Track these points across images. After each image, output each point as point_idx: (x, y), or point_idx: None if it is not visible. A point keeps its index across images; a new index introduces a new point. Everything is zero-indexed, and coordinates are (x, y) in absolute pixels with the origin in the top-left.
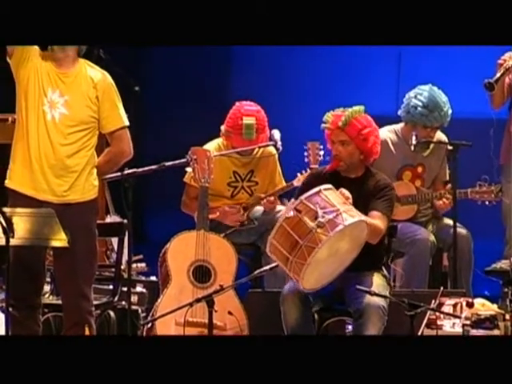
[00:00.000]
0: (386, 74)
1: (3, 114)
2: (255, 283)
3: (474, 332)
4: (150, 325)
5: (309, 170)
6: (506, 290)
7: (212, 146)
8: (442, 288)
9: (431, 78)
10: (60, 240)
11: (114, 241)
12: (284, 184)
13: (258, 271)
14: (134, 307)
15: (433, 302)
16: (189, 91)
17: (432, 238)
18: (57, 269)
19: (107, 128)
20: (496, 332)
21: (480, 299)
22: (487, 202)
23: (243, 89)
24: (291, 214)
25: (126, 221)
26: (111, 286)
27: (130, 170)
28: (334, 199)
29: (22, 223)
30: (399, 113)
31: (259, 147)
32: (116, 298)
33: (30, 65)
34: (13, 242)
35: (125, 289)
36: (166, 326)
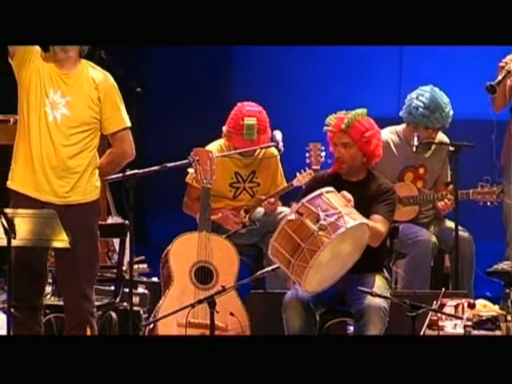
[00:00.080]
0: (387, 74)
1: (5, 114)
2: (257, 284)
3: (476, 333)
4: (151, 326)
5: (308, 170)
6: (507, 291)
7: (214, 146)
8: (443, 289)
9: (433, 79)
10: (62, 241)
11: (116, 242)
12: (285, 184)
13: (259, 272)
14: (135, 308)
15: (434, 303)
16: (190, 92)
17: (434, 239)
18: (58, 270)
19: (109, 129)
20: (498, 333)
21: (482, 300)
22: (489, 203)
23: (245, 90)
24: (293, 216)
25: (127, 222)
26: (113, 287)
27: (132, 171)
28: (336, 202)
29: (23, 224)
30: (401, 114)
31: (261, 148)
32: (118, 299)
33: (32, 66)
34: (14, 242)
35: (126, 290)
36: (168, 327)
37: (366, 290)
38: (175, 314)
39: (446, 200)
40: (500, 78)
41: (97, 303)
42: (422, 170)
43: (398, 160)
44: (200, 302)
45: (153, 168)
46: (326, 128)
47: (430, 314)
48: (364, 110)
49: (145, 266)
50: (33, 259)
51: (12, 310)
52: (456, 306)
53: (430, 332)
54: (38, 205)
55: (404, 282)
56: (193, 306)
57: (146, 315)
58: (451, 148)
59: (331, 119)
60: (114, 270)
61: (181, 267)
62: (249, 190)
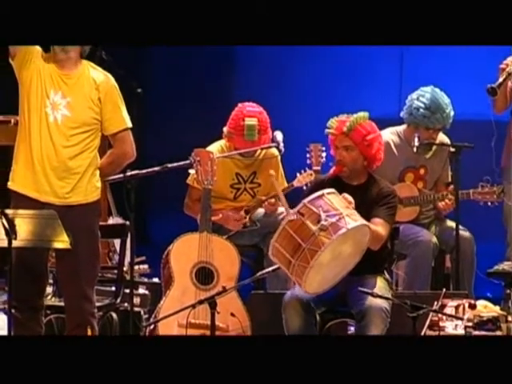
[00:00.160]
0: (388, 75)
1: (6, 115)
2: (258, 285)
3: (477, 334)
4: (152, 326)
5: (308, 170)
6: (508, 291)
7: (215, 147)
8: (444, 290)
9: (434, 80)
10: (62, 242)
11: (117, 242)
12: (285, 185)
13: (260, 273)
14: (136, 309)
15: (435, 303)
16: (191, 92)
17: (434, 239)
18: (59, 270)
19: (110, 130)
20: (498, 334)
21: (482, 301)
22: (489, 203)
23: (245, 90)
24: (294, 217)
25: (128, 222)
26: (113, 288)
27: (133, 172)
28: (337, 203)
29: (24, 225)
30: (401, 114)
31: (261, 149)
32: (118, 300)
33: (33, 66)
34: (15, 243)
35: (127, 290)
36: (169, 328)
37: (366, 290)
38: (176, 315)
39: (446, 200)
40: (501, 80)
41: (97, 304)
42: (422, 171)
43: (399, 161)
44: (201, 302)
45: (154, 169)
46: (327, 131)
47: (430, 315)
48: (366, 114)
49: (145, 266)
50: (33, 260)
51: (13, 310)
52: (457, 307)
53: (430, 333)
54: (39, 205)
55: (405, 283)
56: (194, 306)
57: (146, 316)
58: (452, 149)
59: (333, 122)
60: (115, 271)
61: (181, 268)
62: (249, 190)
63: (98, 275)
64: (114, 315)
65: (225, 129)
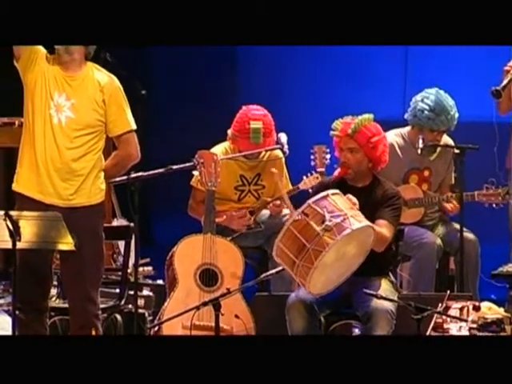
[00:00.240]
0: (392, 77)
1: (10, 117)
2: (262, 287)
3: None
4: (156, 328)
5: (315, 174)
6: None
7: (219, 149)
8: (448, 291)
9: (438, 81)
10: (67, 243)
11: (121, 244)
12: (290, 187)
13: (264, 275)
14: (140, 311)
15: (439, 305)
16: (195, 94)
17: (439, 241)
18: (63, 272)
19: (114, 131)
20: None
21: (487, 303)
22: (494, 205)
23: (249, 92)
24: (298, 217)
25: (132, 224)
26: (118, 290)
27: (137, 174)
28: (342, 204)
29: (28, 227)
30: (406, 116)
31: (266, 151)
32: (123, 302)
33: (38, 68)
34: (19, 245)
35: (131, 292)
36: (173, 330)
37: (371, 292)
38: (180, 317)
39: (454, 202)
40: (505, 82)
41: (102, 305)
42: (427, 173)
43: (403, 162)
44: (205, 304)
45: (158, 170)
46: (332, 133)
47: (434, 317)
48: (371, 116)
49: (150, 268)
50: (38, 261)
51: (17, 312)
52: (461, 309)
53: (434, 334)
54: (43, 207)
55: (409, 285)
56: (198, 308)
57: (150, 317)
58: (456, 150)
59: (338, 124)
60: (119, 273)
61: (186, 269)
62: (254, 192)
63: (103, 277)
64: (119, 317)
65: (229, 131)
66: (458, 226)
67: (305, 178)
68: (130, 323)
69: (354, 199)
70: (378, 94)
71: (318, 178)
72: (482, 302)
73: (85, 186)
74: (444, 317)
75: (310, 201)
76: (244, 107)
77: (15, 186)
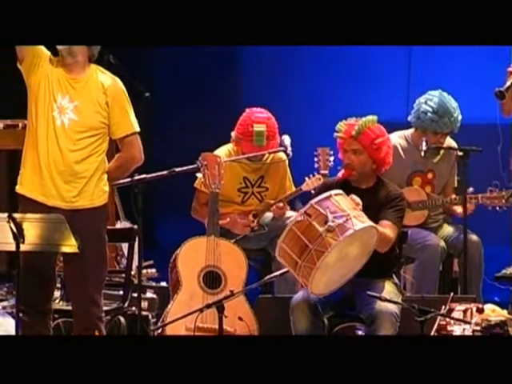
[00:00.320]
0: (395, 79)
1: (14, 119)
2: (265, 289)
3: None
4: (160, 330)
5: (317, 175)
6: None
7: (222, 151)
8: (452, 294)
9: (442, 83)
10: (70, 246)
11: (124, 246)
12: (293, 189)
13: (268, 277)
14: (144, 313)
15: (443, 307)
16: (199, 96)
17: (442, 243)
18: (67, 274)
19: (117, 134)
20: None
21: (490, 305)
22: (498, 208)
23: (253, 94)
24: (301, 217)
25: (136, 226)
26: (121, 292)
27: (140, 176)
28: (345, 204)
29: (32, 229)
30: (409, 118)
31: (269, 153)
32: (126, 304)
33: (41, 71)
34: (23, 247)
35: (135, 294)
36: (176, 332)
37: (375, 294)
38: (184, 319)
39: (468, 204)
40: (509, 83)
41: (105, 308)
42: (430, 175)
43: (407, 165)
44: (208, 306)
45: (161, 173)
46: (336, 134)
47: (438, 319)
48: (374, 117)
49: (153, 270)
50: (41, 264)
51: (21, 314)
52: (464, 311)
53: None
54: (46, 209)
55: (413, 287)
56: (201, 310)
57: (154, 320)
58: (460, 153)
59: (341, 125)
60: (123, 275)
61: (189, 272)
62: (257, 194)
63: (106, 279)
64: (122, 319)
65: (232, 133)
66: (461, 228)
67: (307, 179)
68: (133, 325)
69: (358, 199)
70: (381, 96)
71: (320, 179)
72: (486, 304)
73: (88, 189)
74: (447, 319)
75: (313, 201)
76: (248, 110)
77: (18, 188)
